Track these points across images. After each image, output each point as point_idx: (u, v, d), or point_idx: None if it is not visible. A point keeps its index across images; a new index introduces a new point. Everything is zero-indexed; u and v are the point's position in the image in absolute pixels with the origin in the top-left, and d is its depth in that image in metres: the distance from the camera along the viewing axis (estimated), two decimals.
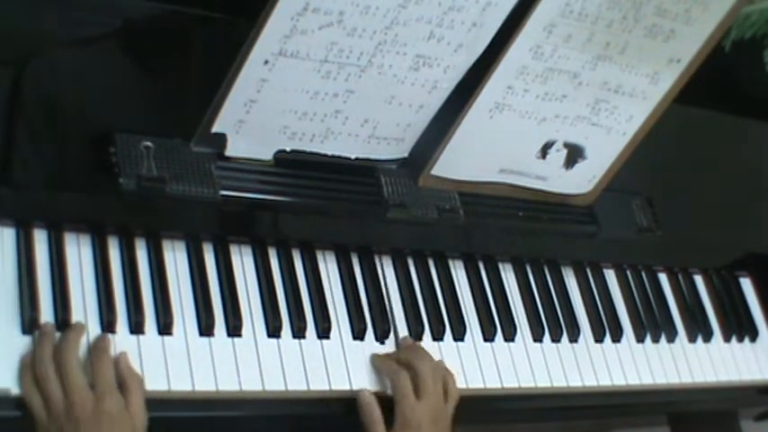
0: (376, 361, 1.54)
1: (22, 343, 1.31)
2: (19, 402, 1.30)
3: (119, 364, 1.34)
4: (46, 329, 1.33)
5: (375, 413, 1.48)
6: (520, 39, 1.50)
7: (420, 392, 1.50)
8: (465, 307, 1.67)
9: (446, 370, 1.57)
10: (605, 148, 1.70)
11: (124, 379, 1.33)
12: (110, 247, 1.43)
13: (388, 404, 1.50)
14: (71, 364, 1.30)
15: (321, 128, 1.49)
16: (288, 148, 1.50)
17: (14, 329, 1.32)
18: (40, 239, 1.39)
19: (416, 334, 1.59)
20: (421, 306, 1.63)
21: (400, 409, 1.49)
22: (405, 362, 1.53)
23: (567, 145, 1.67)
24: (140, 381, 1.34)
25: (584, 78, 1.59)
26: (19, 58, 1.36)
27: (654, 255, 1.91)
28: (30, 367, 1.30)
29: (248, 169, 1.48)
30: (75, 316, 1.36)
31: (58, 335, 1.33)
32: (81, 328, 1.35)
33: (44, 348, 1.31)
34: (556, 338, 1.73)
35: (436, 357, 1.57)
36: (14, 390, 1.29)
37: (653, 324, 1.85)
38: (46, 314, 1.34)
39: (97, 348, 1.34)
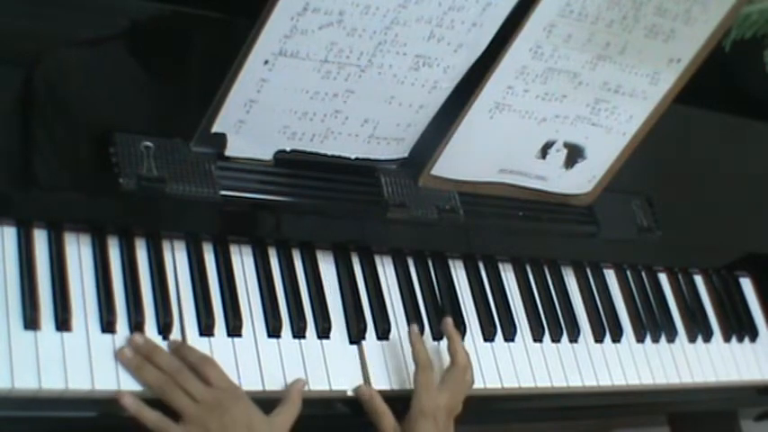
0: (413, 339, 1.54)
1: (25, 341, 1.31)
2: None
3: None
4: (149, 343, 1.38)
5: (379, 406, 1.49)
6: (520, 39, 1.50)
7: (446, 382, 1.52)
8: (465, 307, 1.67)
9: None
10: (605, 148, 1.70)
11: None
12: (110, 247, 1.43)
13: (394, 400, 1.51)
14: (209, 360, 1.39)
15: (321, 128, 1.49)
16: (288, 148, 1.50)
17: (17, 328, 1.32)
18: (41, 239, 1.39)
19: None
20: (421, 306, 1.63)
21: (418, 399, 1.49)
22: (452, 350, 1.55)
23: (567, 145, 1.67)
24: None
25: (585, 78, 1.59)
26: (19, 59, 1.36)
27: (654, 255, 1.91)
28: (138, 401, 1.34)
29: (248, 169, 1.48)
30: (76, 316, 1.36)
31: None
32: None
33: (166, 357, 1.37)
34: (556, 338, 1.73)
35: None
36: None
37: (653, 324, 1.85)
38: (46, 314, 1.34)
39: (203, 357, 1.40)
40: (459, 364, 1.55)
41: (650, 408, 1.90)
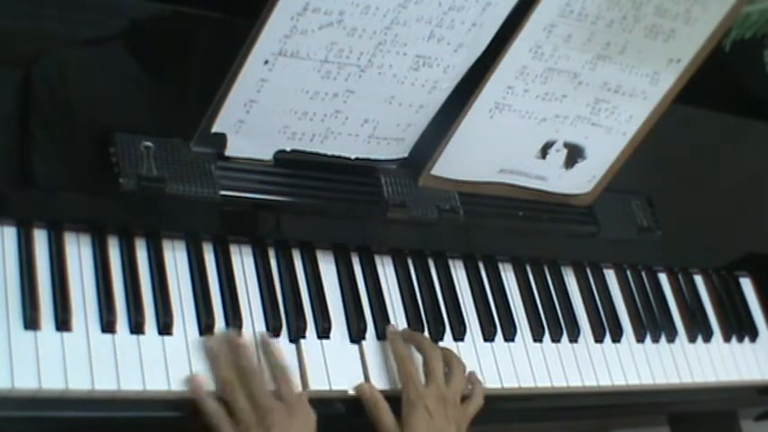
0: (390, 337, 1.56)
1: (25, 341, 1.31)
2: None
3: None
4: (235, 342, 1.42)
5: (380, 402, 1.49)
6: (520, 39, 1.50)
7: (428, 378, 1.52)
8: (465, 307, 1.67)
9: (474, 374, 1.60)
10: (605, 148, 1.70)
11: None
12: (110, 247, 1.43)
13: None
14: (285, 371, 1.43)
15: (321, 128, 1.49)
16: (288, 148, 1.50)
17: (17, 328, 1.32)
18: (40, 239, 1.39)
19: None
20: (421, 306, 1.63)
21: (404, 392, 1.50)
22: (418, 346, 1.56)
23: (567, 145, 1.67)
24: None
25: (584, 78, 1.59)
26: (19, 59, 1.36)
27: (654, 255, 1.91)
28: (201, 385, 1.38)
29: (248, 169, 1.48)
30: (76, 316, 1.36)
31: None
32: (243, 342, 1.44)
33: (245, 358, 1.41)
34: (556, 338, 1.73)
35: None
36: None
37: (653, 324, 1.85)
38: (46, 314, 1.34)
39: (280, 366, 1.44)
40: (428, 353, 1.54)
41: (650, 408, 1.89)
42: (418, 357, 1.56)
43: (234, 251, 1.52)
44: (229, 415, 1.37)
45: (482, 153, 1.62)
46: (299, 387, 1.43)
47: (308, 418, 1.40)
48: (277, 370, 1.42)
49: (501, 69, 1.52)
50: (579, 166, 1.70)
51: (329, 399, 1.50)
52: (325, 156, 1.53)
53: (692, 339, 1.89)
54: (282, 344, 1.49)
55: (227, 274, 1.50)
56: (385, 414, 1.48)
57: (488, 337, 1.66)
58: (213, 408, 1.37)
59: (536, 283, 1.77)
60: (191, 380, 1.38)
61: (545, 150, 1.66)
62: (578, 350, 1.74)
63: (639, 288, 1.89)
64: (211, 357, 1.40)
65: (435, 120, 1.56)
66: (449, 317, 1.64)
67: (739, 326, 1.98)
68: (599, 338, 1.78)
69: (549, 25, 1.50)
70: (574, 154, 1.68)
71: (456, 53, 1.48)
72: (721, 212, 1.97)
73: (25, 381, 1.30)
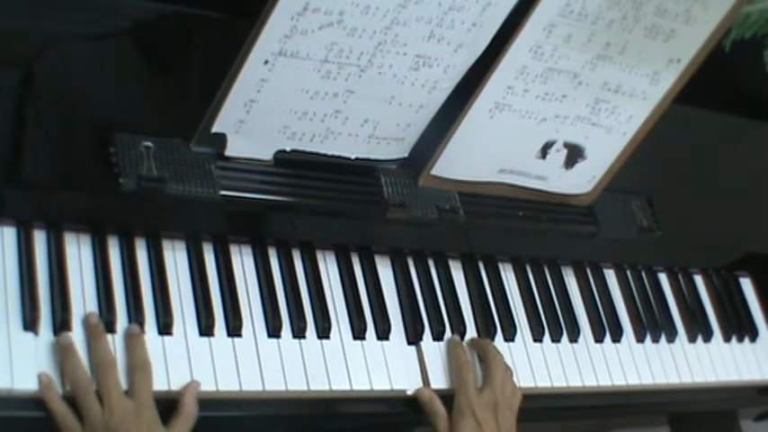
0: (449, 346, 1.59)
1: (25, 341, 1.31)
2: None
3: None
4: (66, 341, 1.32)
5: (439, 408, 1.52)
6: (520, 39, 1.50)
7: (485, 383, 1.56)
8: (465, 307, 1.67)
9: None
10: (605, 148, 1.70)
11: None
12: (110, 247, 1.43)
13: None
14: (112, 375, 1.32)
15: (321, 128, 1.49)
16: (288, 148, 1.50)
17: (17, 328, 1.32)
18: (40, 239, 1.39)
19: (416, 334, 1.59)
20: (421, 306, 1.63)
21: (456, 398, 1.53)
22: (482, 351, 1.60)
23: (567, 145, 1.67)
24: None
25: (584, 78, 1.59)
26: (18, 59, 1.36)
27: (654, 255, 1.91)
28: (50, 384, 1.30)
29: (248, 169, 1.48)
30: (75, 316, 1.36)
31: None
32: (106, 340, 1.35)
33: (73, 360, 1.31)
34: (556, 338, 1.73)
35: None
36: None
37: (653, 324, 1.85)
38: (46, 314, 1.34)
39: (140, 364, 1.35)
40: (490, 359, 1.58)
41: (650, 408, 1.89)
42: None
43: (234, 251, 1.52)
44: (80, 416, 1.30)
45: (482, 153, 1.62)
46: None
47: (152, 417, 1.32)
48: (136, 367, 1.34)
49: (501, 69, 1.52)
50: (579, 166, 1.70)
51: (329, 399, 1.51)
52: (325, 156, 1.53)
53: (692, 339, 1.89)
54: (283, 344, 1.49)
55: (227, 274, 1.50)
56: (442, 420, 1.51)
57: (488, 337, 1.66)
58: (61, 410, 1.29)
59: (536, 283, 1.77)
60: (41, 377, 1.29)
61: (545, 150, 1.66)
62: (578, 350, 1.74)
63: (639, 288, 1.89)
64: (65, 352, 1.31)
65: (435, 120, 1.56)
66: (448, 317, 1.64)
67: (739, 326, 1.98)
68: (599, 338, 1.78)
69: (549, 25, 1.50)
70: (574, 154, 1.68)
71: (456, 53, 1.48)
72: (721, 212, 1.97)
73: (25, 381, 1.30)
